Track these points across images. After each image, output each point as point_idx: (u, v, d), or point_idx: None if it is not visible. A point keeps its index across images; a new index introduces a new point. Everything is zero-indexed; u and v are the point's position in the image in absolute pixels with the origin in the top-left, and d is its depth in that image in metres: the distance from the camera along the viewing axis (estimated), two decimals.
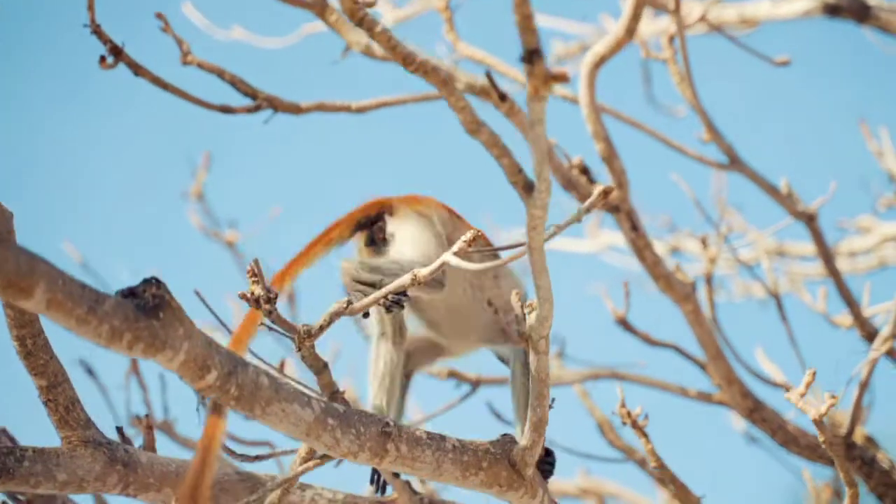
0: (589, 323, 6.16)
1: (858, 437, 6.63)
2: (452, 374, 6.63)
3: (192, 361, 3.00)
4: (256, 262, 3.43)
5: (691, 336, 6.04)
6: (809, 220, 6.31)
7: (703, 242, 6.32)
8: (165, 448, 5.73)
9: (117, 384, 5.85)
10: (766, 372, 6.72)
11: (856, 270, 9.36)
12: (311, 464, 3.64)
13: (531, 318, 3.60)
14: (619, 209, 5.61)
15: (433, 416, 6.81)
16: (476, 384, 6.63)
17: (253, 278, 3.42)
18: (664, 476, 4.94)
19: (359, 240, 4.37)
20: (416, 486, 4.51)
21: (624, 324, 6.07)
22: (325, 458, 3.68)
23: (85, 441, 3.78)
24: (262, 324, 3.52)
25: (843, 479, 4.55)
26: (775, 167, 6.55)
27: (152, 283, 2.86)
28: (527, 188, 3.14)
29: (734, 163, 6.16)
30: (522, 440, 3.83)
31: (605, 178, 5.61)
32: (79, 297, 2.65)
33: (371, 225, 4.38)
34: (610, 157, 5.57)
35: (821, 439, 4.42)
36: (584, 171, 5.60)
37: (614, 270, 9.26)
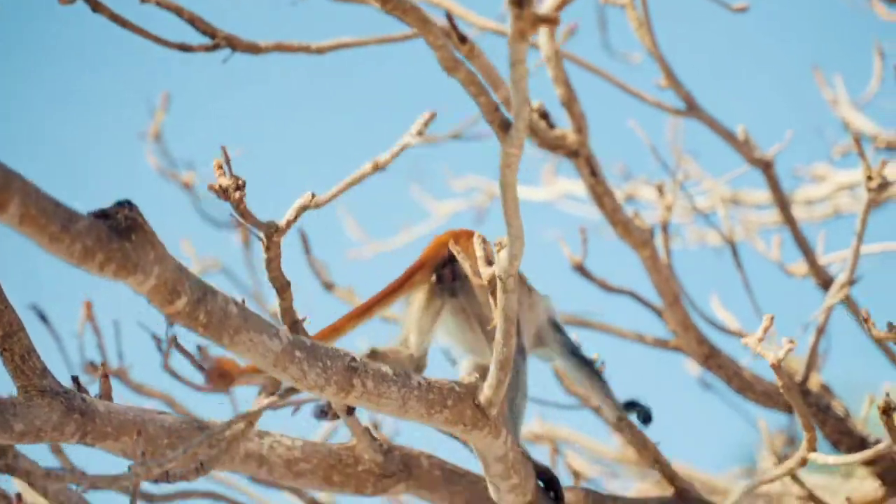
0: (545, 270, 6.15)
1: (813, 385, 6.69)
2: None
3: (162, 286, 2.99)
4: (224, 150, 3.41)
5: (648, 283, 6.07)
6: (766, 167, 6.33)
7: (659, 190, 6.34)
8: (120, 395, 5.72)
9: (71, 332, 5.81)
10: (721, 319, 6.77)
11: (811, 218, 9.43)
12: (274, 398, 3.63)
13: (501, 257, 3.61)
14: (579, 154, 5.61)
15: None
16: None
17: (219, 169, 3.40)
18: (620, 423, 4.98)
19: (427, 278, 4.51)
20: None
21: (581, 270, 6.08)
22: (289, 391, 3.68)
23: (42, 390, 3.73)
24: (230, 216, 3.49)
25: (802, 424, 4.59)
26: (732, 115, 6.54)
27: (125, 205, 2.85)
28: (503, 127, 3.15)
29: (691, 109, 6.17)
30: (488, 379, 3.85)
31: (564, 123, 5.61)
32: (52, 215, 2.64)
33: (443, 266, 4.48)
34: (570, 102, 5.57)
35: (779, 384, 4.45)
36: (544, 115, 5.60)
37: (570, 218, 9.29)
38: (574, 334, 5.00)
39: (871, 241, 6.48)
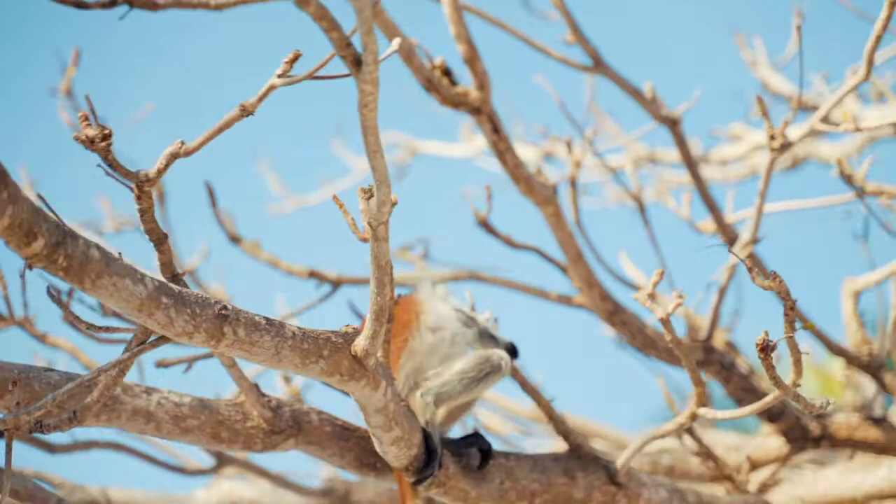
0: (461, 226, 6.15)
1: (719, 343, 6.72)
2: (313, 274, 6.61)
3: (16, 227, 2.94)
4: (87, 98, 3.36)
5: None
6: (673, 124, 6.34)
7: (568, 146, 6.33)
8: (25, 345, 5.69)
9: None
10: (630, 276, 6.79)
11: (727, 178, 9.49)
12: (145, 346, 3.58)
13: (371, 204, 3.57)
14: (481, 111, 5.58)
15: (294, 314, 6.80)
16: (336, 284, 6.63)
17: (84, 120, 3.34)
18: (515, 377, 4.98)
19: None
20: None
21: (485, 226, 6.07)
22: (161, 340, 3.64)
23: None
24: (98, 166, 3.44)
25: (691, 379, 4.60)
26: (654, 76, 6.57)
27: None
28: (356, 63, 3.10)
29: (598, 66, 6.16)
30: (364, 330, 3.82)
31: (467, 81, 5.59)
32: None
33: None
34: (472, 59, 5.54)
35: (667, 338, 4.46)
36: (447, 72, 5.56)
37: (488, 175, 9.29)
38: (467, 292, 5.01)
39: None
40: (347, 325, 3.87)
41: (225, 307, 3.55)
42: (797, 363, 4.12)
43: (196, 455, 7.03)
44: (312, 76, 3.64)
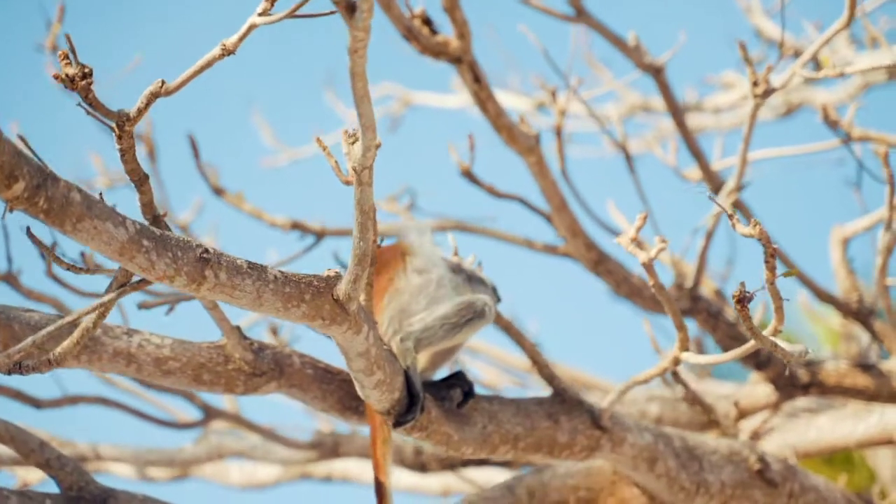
0: (452, 177, 6.15)
1: (708, 291, 6.74)
2: (296, 226, 6.62)
3: None
4: (68, 38, 3.35)
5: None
6: (656, 72, 6.33)
7: (552, 95, 6.32)
8: (11, 300, 5.68)
9: None
10: (618, 225, 6.80)
11: (721, 127, 9.49)
12: (126, 288, 3.59)
13: (355, 149, 3.59)
14: (461, 60, 5.58)
15: (278, 266, 6.80)
16: (320, 235, 6.64)
17: (64, 59, 3.34)
18: (499, 322, 5.00)
19: None
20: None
21: (469, 176, 6.06)
22: (142, 283, 3.65)
23: None
24: (78, 105, 3.44)
25: (674, 324, 4.62)
26: (643, 25, 6.55)
27: None
28: (349, 8, 3.11)
29: (581, 15, 6.15)
30: (346, 274, 3.83)
31: (447, 30, 5.58)
32: None
33: None
34: (452, 8, 5.52)
35: (650, 283, 4.47)
36: (427, 21, 5.56)
37: (482, 125, 9.28)
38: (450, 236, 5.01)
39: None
40: (329, 270, 3.88)
41: (206, 250, 3.56)
42: (778, 311, 4.14)
43: (186, 410, 7.06)
44: (293, 15, 3.64)
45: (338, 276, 3.85)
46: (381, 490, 4.60)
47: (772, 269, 3.97)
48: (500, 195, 6.22)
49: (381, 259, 4.56)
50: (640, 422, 5.26)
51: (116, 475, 7.74)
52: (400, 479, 7.81)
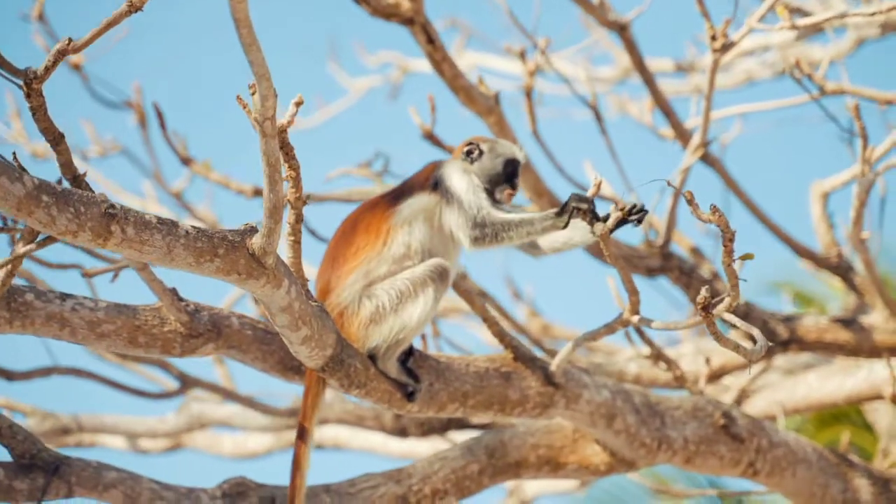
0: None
1: (684, 249, 6.68)
2: (258, 193, 6.61)
3: None
4: None
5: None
6: (621, 29, 6.26)
7: (521, 56, 6.28)
8: None
9: None
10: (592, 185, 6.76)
11: (724, 86, 9.41)
12: (32, 245, 3.59)
13: (255, 100, 3.56)
14: (414, 22, 5.54)
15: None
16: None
17: None
18: (458, 288, 4.99)
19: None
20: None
21: (431, 138, 6.02)
22: (49, 240, 3.65)
23: None
24: None
25: (626, 287, 4.58)
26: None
27: None
28: None
29: None
30: (261, 228, 3.81)
31: None
32: None
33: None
34: None
35: (605, 253, 4.43)
36: None
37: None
38: None
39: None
40: (246, 224, 3.86)
41: (112, 206, 3.54)
42: (734, 289, 4.13)
43: (168, 378, 7.07)
44: None
45: (252, 230, 3.82)
46: (303, 433, 4.55)
47: (729, 253, 4.02)
48: None
49: (363, 231, 4.58)
50: (599, 378, 5.22)
51: (110, 447, 7.78)
52: (388, 445, 7.82)
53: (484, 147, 4.73)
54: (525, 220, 4.54)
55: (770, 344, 4.30)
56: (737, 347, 4.22)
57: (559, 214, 4.50)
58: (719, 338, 4.17)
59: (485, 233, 4.55)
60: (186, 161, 6.82)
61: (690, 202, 3.95)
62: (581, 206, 4.43)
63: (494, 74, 9.94)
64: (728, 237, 3.99)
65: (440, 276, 4.58)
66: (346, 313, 4.52)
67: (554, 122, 10.03)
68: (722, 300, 4.12)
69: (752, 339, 6.36)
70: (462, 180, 4.64)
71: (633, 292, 4.57)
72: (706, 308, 4.10)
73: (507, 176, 4.72)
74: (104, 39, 7.81)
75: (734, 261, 4.05)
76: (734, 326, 4.15)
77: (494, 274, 11.88)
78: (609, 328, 4.70)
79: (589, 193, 4.46)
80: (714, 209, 3.95)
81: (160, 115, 6.63)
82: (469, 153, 4.74)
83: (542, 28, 9.20)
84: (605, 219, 4.39)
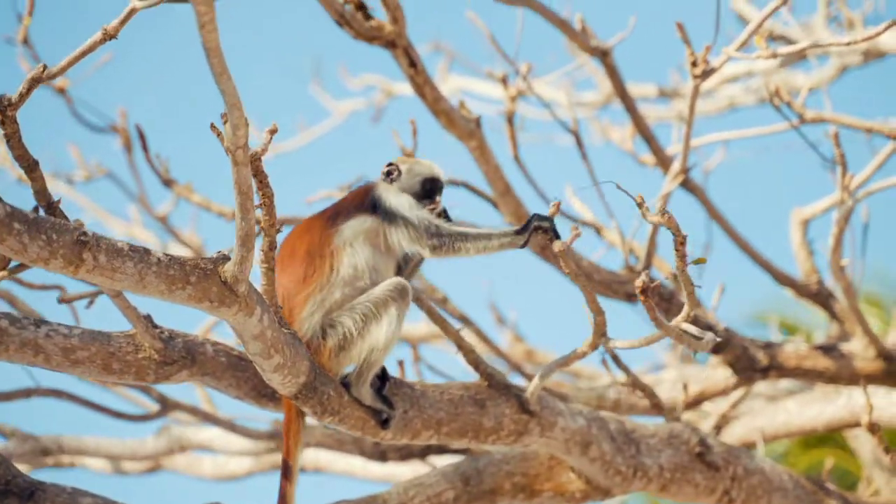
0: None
1: (665, 273, 6.70)
2: None
3: None
4: None
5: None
6: (603, 56, 6.28)
7: (503, 82, 6.30)
8: None
9: None
10: (576, 210, 6.79)
11: (708, 111, 9.46)
12: (3, 273, 3.61)
13: (227, 129, 3.57)
14: (396, 45, 5.56)
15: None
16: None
17: None
18: (422, 306, 4.99)
19: None
20: None
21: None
22: (21, 267, 3.66)
23: None
24: None
25: (590, 308, 4.59)
26: (630, 7, 6.51)
27: None
28: None
29: None
30: (233, 256, 3.82)
31: (380, 14, 5.57)
32: None
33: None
34: None
35: (566, 271, 4.44)
36: (360, 6, 5.53)
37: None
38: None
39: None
40: (219, 252, 3.88)
41: (84, 233, 3.56)
42: (690, 296, 4.15)
43: (149, 400, 7.07)
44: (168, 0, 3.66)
45: (225, 258, 3.84)
46: (287, 471, 4.57)
47: (682, 258, 4.03)
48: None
49: (307, 259, 4.60)
50: (574, 406, 5.23)
51: (90, 468, 7.77)
52: (368, 468, 7.83)
53: (402, 168, 4.85)
54: (482, 234, 4.65)
55: (718, 339, 4.35)
56: (680, 336, 4.26)
57: (519, 233, 4.61)
58: (661, 324, 4.24)
59: (442, 241, 4.64)
60: (168, 183, 6.83)
61: (640, 205, 3.99)
62: (543, 226, 4.56)
63: (478, 98, 10.00)
64: (679, 240, 4.01)
65: (400, 294, 4.61)
66: (313, 345, 4.52)
67: (537, 147, 10.07)
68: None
69: (740, 357, 6.46)
70: (400, 198, 4.75)
71: (597, 312, 4.57)
72: (645, 292, 4.13)
73: (426, 193, 4.83)
74: (89, 62, 7.85)
75: (687, 265, 4.06)
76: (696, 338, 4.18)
77: (478, 299, 11.92)
78: (578, 353, 4.70)
79: (548, 213, 4.51)
80: (662, 211, 3.98)
81: (142, 137, 6.65)
82: (388, 174, 4.86)
83: (526, 52, 9.25)
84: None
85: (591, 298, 4.57)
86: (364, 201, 4.77)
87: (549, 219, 4.57)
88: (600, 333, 4.59)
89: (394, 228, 4.69)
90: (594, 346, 4.64)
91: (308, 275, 4.60)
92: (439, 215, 4.78)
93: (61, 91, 7.53)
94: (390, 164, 4.88)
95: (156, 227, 8.40)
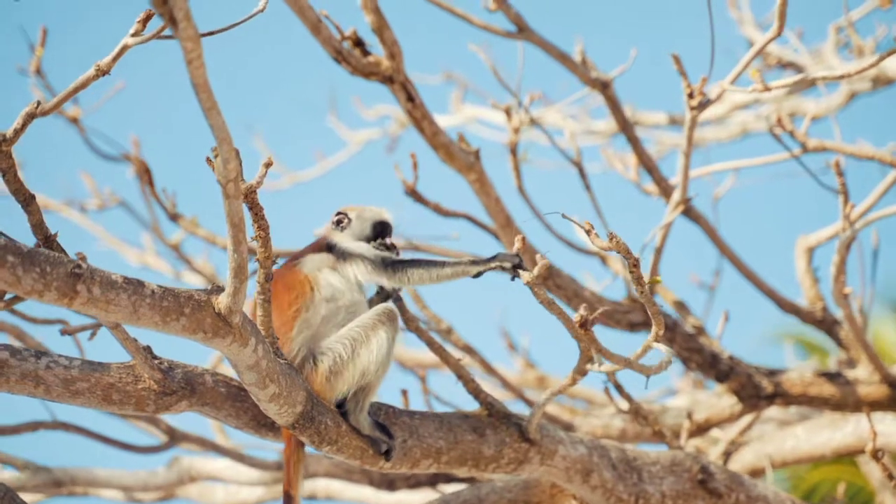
0: (450, 197, 6.20)
1: (668, 302, 6.73)
2: (250, 251, 6.68)
3: None
4: None
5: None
6: (604, 87, 6.33)
7: (507, 113, 6.35)
8: None
9: None
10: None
11: (720, 139, 9.49)
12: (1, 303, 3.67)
13: (217, 164, 3.62)
14: (393, 80, 5.62)
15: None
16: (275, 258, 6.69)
17: None
18: (432, 346, 5.04)
19: None
20: None
21: (414, 194, 6.09)
22: (16, 299, 3.72)
23: None
24: None
25: (571, 334, 4.62)
26: (644, 38, 6.56)
27: None
28: (172, 20, 3.14)
29: (522, 31, 6.17)
30: (226, 287, 3.87)
31: (378, 50, 5.63)
32: None
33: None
34: (381, 29, 5.57)
35: (538, 300, 4.48)
36: (358, 43, 5.60)
37: (481, 142, 9.35)
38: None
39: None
40: (213, 283, 3.93)
41: (79, 266, 3.61)
42: (655, 316, 4.20)
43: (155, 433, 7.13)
44: (159, 36, 3.72)
45: (219, 290, 3.89)
46: (290, 502, 4.64)
47: (637, 280, 4.09)
48: (446, 213, 6.25)
49: (290, 288, 4.68)
50: (575, 434, 5.26)
51: (104, 499, 7.82)
52: (379, 496, 7.85)
53: (352, 215, 5.04)
54: (436, 263, 4.82)
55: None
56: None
57: (475, 264, 4.80)
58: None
59: (395, 270, 4.84)
60: (175, 217, 6.90)
61: (589, 232, 4.05)
62: (504, 266, 4.75)
63: (492, 127, 10.08)
64: (632, 263, 4.07)
65: (388, 318, 4.73)
66: (305, 370, 4.59)
67: (549, 174, 10.10)
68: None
69: (745, 385, 6.48)
70: (352, 242, 4.96)
71: (580, 339, 4.61)
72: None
73: (375, 235, 5.02)
74: (101, 91, 7.91)
75: (644, 287, 4.12)
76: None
77: (490, 325, 11.94)
78: (571, 380, 4.75)
79: (514, 250, 4.61)
80: (611, 236, 4.04)
81: (149, 173, 6.72)
82: (338, 223, 5.04)
83: (539, 80, 9.33)
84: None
85: (569, 326, 4.59)
86: (320, 245, 4.96)
87: (515, 255, 4.72)
88: (585, 360, 4.65)
89: (349, 264, 4.89)
90: (583, 373, 4.70)
91: (291, 299, 4.71)
92: (388, 250, 4.97)
93: (74, 121, 7.62)
94: (339, 213, 5.06)
95: (169, 255, 8.47)
